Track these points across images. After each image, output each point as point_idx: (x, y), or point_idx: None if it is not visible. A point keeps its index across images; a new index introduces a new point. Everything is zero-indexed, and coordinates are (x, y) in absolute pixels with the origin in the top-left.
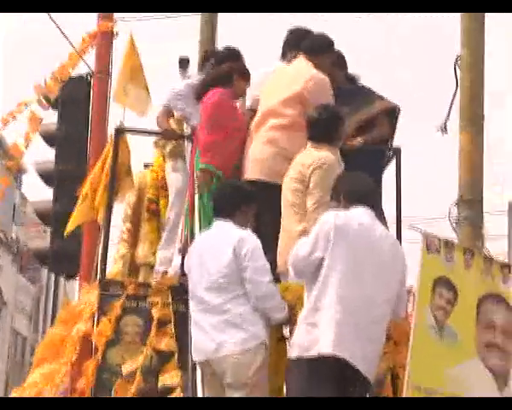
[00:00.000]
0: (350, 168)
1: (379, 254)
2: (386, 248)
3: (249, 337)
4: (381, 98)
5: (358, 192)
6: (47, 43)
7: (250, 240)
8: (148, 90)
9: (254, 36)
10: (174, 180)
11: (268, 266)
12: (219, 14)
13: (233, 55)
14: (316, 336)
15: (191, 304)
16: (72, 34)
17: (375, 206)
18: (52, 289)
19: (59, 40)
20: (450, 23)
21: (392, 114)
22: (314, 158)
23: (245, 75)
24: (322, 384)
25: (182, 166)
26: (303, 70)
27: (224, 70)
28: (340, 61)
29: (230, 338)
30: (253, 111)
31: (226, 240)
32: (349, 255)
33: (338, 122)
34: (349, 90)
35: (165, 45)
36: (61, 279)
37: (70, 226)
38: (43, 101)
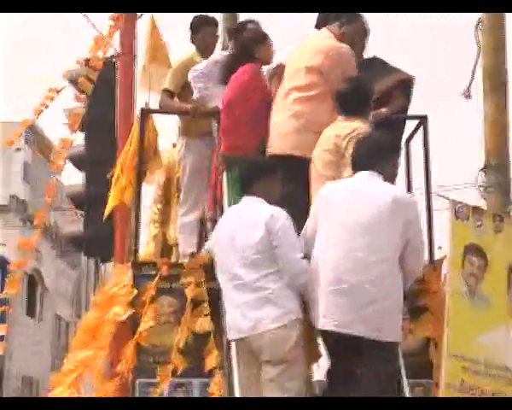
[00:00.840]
0: None
1: (372, 216)
2: (383, 207)
3: (284, 313)
4: (396, 69)
5: (359, 157)
6: (49, 39)
7: (282, 217)
8: (171, 67)
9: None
10: (187, 162)
11: (298, 241)
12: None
13: (248, 28)
14: (315, 308)
15: (222, 279)
16: (93, 18)
17: (380, 166)
18: (92, 273)
19: (65, 32)
20: None
21: (407, 84)
22: (349, 129)
23: (265, 40)
24: (333, 358)
25: (194, 145)
26: (324, 42)
27: (244, 43)
28: (363, 29)
29: (266, 315)
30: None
31: (258, 216)
32: (334, 222)
33: (368, 94)
34: (364, 61)
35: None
36: (101, 263)
37: (107, 210)
38: (77, 93)
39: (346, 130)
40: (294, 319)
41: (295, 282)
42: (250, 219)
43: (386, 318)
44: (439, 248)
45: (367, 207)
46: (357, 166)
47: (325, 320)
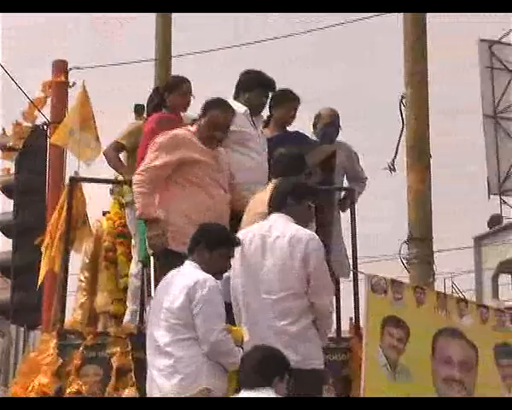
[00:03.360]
0: None
1: (273, 256)
2: (284, 247)
3: (190, 384)
4: (317, 144)
5: (272, 201)
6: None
7: (206, 285)
8: (98, 139)
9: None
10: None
11: (221, 311)
12: (173, 59)
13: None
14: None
15: (147, 344)
16: (27, 86)
17: (285, 207)
18: (21, 341)
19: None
20: (394, 61)
21: (332, 157)
22: None
23: (176, 88)
24: None
25: None
26: None
27: (152, 95)
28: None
29: (171, 385)
30: None
31: (184, 282)
32: (244, 267)
33: (299, 159)
34: (286, 133)
35: (120, 92)
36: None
37: (40, 278)
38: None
39: None
40: (200, 390)
41: (212, 353)
42: (179, 283)
43: (303, 340)
44: (351, 319)
45: (272, 247)
46: (272, 207)
47: None
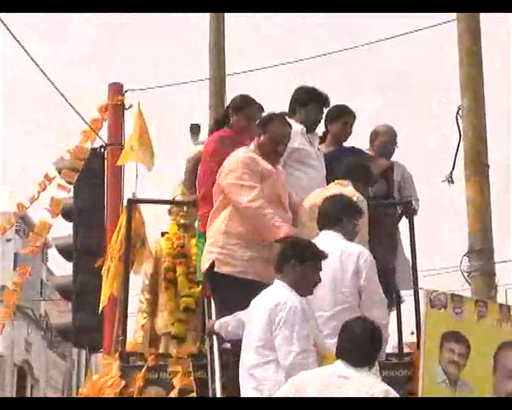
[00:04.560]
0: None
1: (325, 272)
2: (335, 262)
3: None
4: (374, 158)
5: (320, 219)
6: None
7: (287, 306)
8: (153, 150)
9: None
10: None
11: (301, 333)
12: (228, 78)
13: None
14: None
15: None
16: (82, 107)
17: (336, 223)
18: (83, 364)
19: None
20: (450, 74)
21: (390, 171)
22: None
23: (242, 110)
24: None
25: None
26: None
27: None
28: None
29: None
30: None
31: (266, 303)
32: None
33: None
34: (343, 149)
35: (175, 113)
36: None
37: (102, 301)
38: (65, 183)
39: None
40: None
41: (289, 376)
42: (263, 304)
43: None
44: (412, 333)
45: (327, 262)
46: (321, 225)
47: None
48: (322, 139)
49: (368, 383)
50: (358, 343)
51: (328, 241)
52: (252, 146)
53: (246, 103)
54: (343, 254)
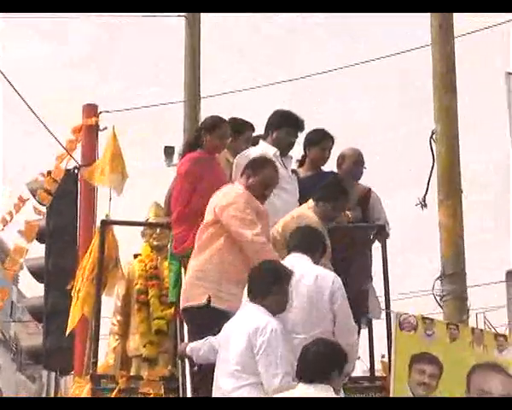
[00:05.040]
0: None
1: (298, 295)
2: (310, 286)
3: None
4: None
5: (290, 242)
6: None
7: (267, 329)
8: (124, 173)
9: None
10: None
11: (284, 355)
12: (202, 101)
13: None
14: None
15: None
16: (56, 128)
17: (310, 249)
18: (52, 387)
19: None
20: (425, 96)
21: (366, 196)
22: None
23: (214, 129)
24: None
25: None
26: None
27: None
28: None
29: None
30: None
31: (245, 327)
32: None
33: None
34: (321, 173)
35: (150, 134)
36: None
37: (70, 324)
38: (39, 206)
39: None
40: None
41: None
42: (240, 328)
43: None
44: (383, 356)
45: (298, 285)
46: (293, 247)
47: None
48: (301, 163)
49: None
50: (312, 361)
51: (299, 263)
52: (238, 184)
53: (217, 123)
54: (318, 278)
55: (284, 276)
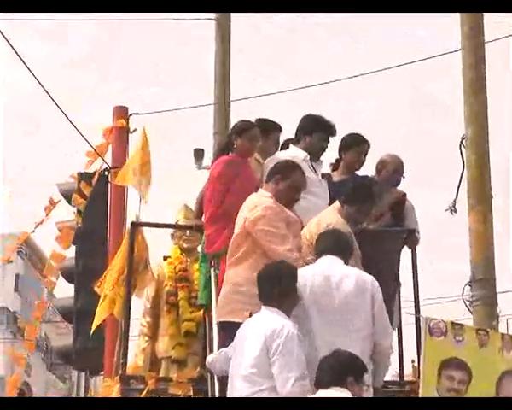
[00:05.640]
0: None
1: (339, 295)
2: (351, 287)
3: None
4: (388, 187)
5: (319, 245)
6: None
7: (284, 333)
8: (150, 180)
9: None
10: None
11: (299, 359)
12: (232, 104)
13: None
14: None
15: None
16: (85, 130)
17: (341, 252)
18: (82, 386)
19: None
20: (455, 102)
21: (401, 201)
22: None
23: (244, 133)
24: None
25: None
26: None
27: (228, 134)
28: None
29: None
30: None
31: (260, 330)
32: (310, 308)
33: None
34: (356, 177)
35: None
36: (90, 376)
37: (95, 323)
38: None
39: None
40: None
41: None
42: (256, 331)
43: None
44: (413, 361)
45: (337, 288)
46: (318, 253)
47: None
48: (335, 167)
49: None
50: (328, 369)
51: (335, 265)
52: (264, 191)
53: (247, 126)
54: (359, 280)
55: (293, 277)
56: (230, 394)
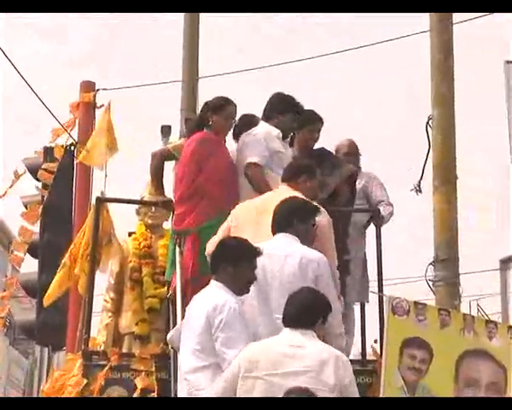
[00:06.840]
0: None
1: (282, 275)
2: (294, 267)
3: None
4: (341, 163)
5: (276, 222)
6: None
7: (225, 307)
8: (112, 145)
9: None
10: None
11: (242, 334)
12: (200, 81)
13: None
14: None
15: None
16: (52, 105)
17: (291, 227)
18: (46, 362)
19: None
20: (422, 82)
21: (353, 177)
22: None
23: (220, 110)
24: None
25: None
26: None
27: (201, 110)
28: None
29: None
30: None
31: (204, 306)
32: (255, 288)
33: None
34: (313, 152)
35: (146, 114)
36: (56, 352)
37: (49, 297)
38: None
39: None
40: None
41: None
42: (200, 307)
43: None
44: (375, 341)
45: (281, 267)
46: (276, 227)
47: None
48: (290, 143)
49: (318, 349)
50: (303, 307)
51: (284, 243)
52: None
53: (224, 103)
54: (303, 259)
55: (245, 254)
56: (179, 366)
